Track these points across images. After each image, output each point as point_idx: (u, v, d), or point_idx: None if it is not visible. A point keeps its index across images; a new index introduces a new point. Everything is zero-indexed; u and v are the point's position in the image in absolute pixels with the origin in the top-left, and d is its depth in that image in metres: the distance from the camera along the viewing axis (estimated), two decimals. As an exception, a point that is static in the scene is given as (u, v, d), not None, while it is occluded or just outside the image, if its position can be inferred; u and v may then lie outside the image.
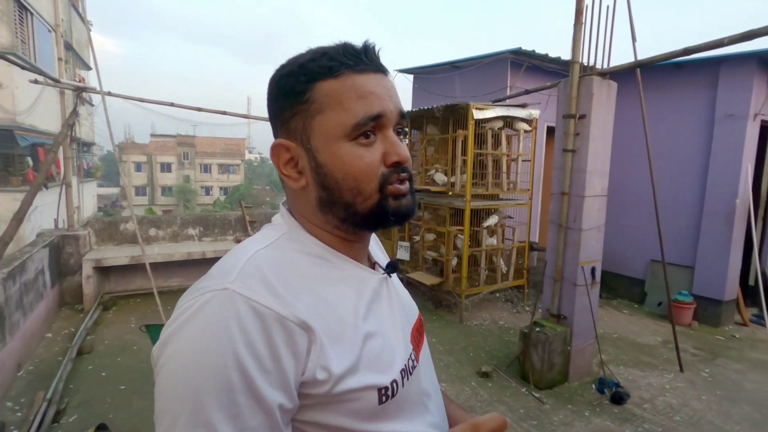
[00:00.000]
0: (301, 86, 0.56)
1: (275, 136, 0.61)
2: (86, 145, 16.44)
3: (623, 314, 5.19)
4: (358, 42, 0.58)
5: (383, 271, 0.66)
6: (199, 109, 5.56)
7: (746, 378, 3.64)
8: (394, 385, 0.56)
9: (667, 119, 5.17)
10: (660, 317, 5.05)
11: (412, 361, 0.62)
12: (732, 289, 4.84)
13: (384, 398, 0.55)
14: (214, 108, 5.69)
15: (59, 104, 5.07)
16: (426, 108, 5.11)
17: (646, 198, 4.82)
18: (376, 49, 0.59)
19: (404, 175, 0.58)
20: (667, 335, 4.26)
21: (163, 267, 5.43)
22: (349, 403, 0.53)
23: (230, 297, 0.47)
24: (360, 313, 0.57)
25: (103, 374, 3.46)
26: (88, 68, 17.35)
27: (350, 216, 0.58)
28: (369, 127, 0.55)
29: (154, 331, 2.41)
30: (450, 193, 5.05)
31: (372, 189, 0.56)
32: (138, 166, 35.45)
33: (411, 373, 0.61)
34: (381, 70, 0.58)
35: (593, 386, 3.39)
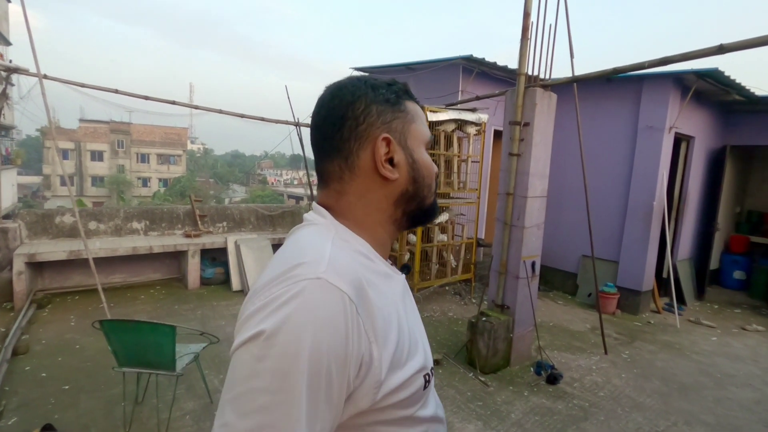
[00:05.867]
0: (398, 98, 0.67)
1: (365, 136, 0.64)
2: (4, 129, 14.89)
3: (558, 304, 5.69)
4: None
5: (400, 273, 0.71)
6: (146, 98, 5.31)
7: (657, 357, 4.18)
8: (432, 371, 0.65)
9: (598, 128, 5.71)
10: (589, 307, 5.60)
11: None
12: (649, 281, 5.48)
13: (426, 383, 0.63)
14: (160, 96, 5.43)
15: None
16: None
17: (578, 199, 5.28)
18: None
19: None
20: (595, 322, 4.75)
21: (104, 262, 5.15)
22: (401, 392, 0.58)
23: (324, 285, 0.52)
24: (400, 309, 0.63)
25: (44, 375, 3.27)
26: (8, 43, 15.70)
27: (416, 209, 0.69)
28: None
29: (110, 327, 2.34)
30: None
31: (434, 189, 0.71)
32: (65, 154, 32.50)
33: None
34: None
35: (532, 369, 3.73)
